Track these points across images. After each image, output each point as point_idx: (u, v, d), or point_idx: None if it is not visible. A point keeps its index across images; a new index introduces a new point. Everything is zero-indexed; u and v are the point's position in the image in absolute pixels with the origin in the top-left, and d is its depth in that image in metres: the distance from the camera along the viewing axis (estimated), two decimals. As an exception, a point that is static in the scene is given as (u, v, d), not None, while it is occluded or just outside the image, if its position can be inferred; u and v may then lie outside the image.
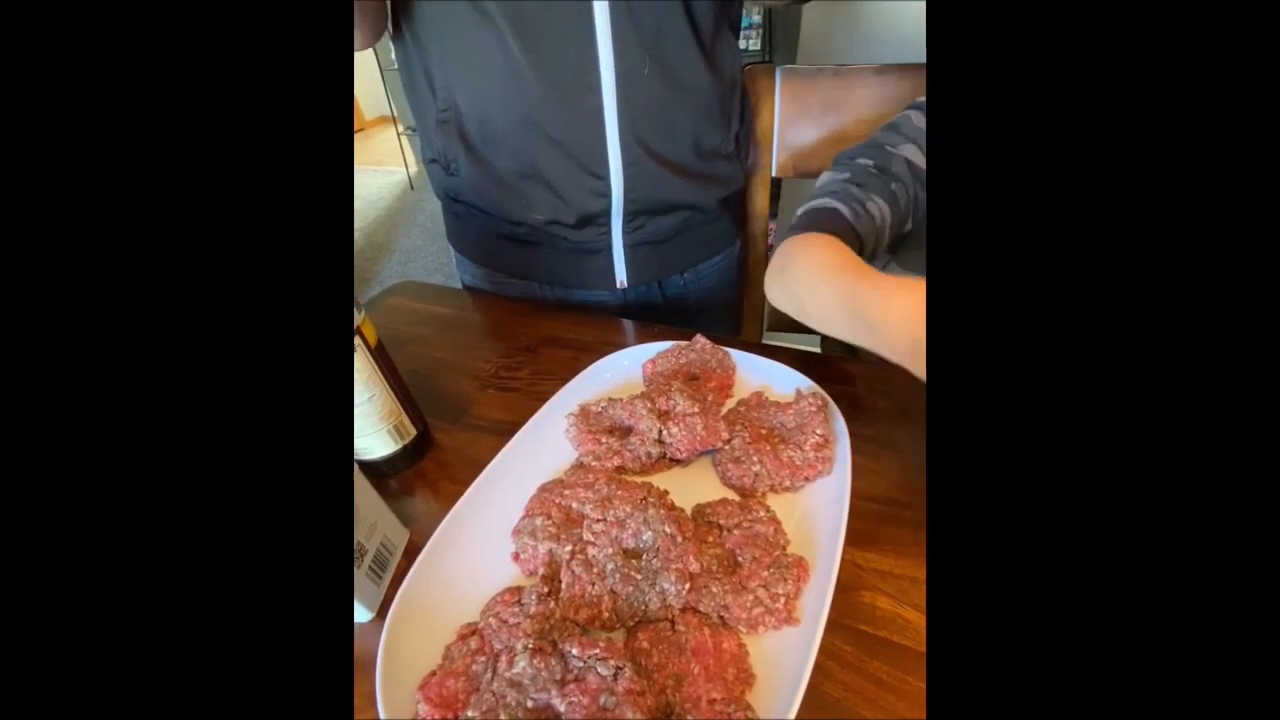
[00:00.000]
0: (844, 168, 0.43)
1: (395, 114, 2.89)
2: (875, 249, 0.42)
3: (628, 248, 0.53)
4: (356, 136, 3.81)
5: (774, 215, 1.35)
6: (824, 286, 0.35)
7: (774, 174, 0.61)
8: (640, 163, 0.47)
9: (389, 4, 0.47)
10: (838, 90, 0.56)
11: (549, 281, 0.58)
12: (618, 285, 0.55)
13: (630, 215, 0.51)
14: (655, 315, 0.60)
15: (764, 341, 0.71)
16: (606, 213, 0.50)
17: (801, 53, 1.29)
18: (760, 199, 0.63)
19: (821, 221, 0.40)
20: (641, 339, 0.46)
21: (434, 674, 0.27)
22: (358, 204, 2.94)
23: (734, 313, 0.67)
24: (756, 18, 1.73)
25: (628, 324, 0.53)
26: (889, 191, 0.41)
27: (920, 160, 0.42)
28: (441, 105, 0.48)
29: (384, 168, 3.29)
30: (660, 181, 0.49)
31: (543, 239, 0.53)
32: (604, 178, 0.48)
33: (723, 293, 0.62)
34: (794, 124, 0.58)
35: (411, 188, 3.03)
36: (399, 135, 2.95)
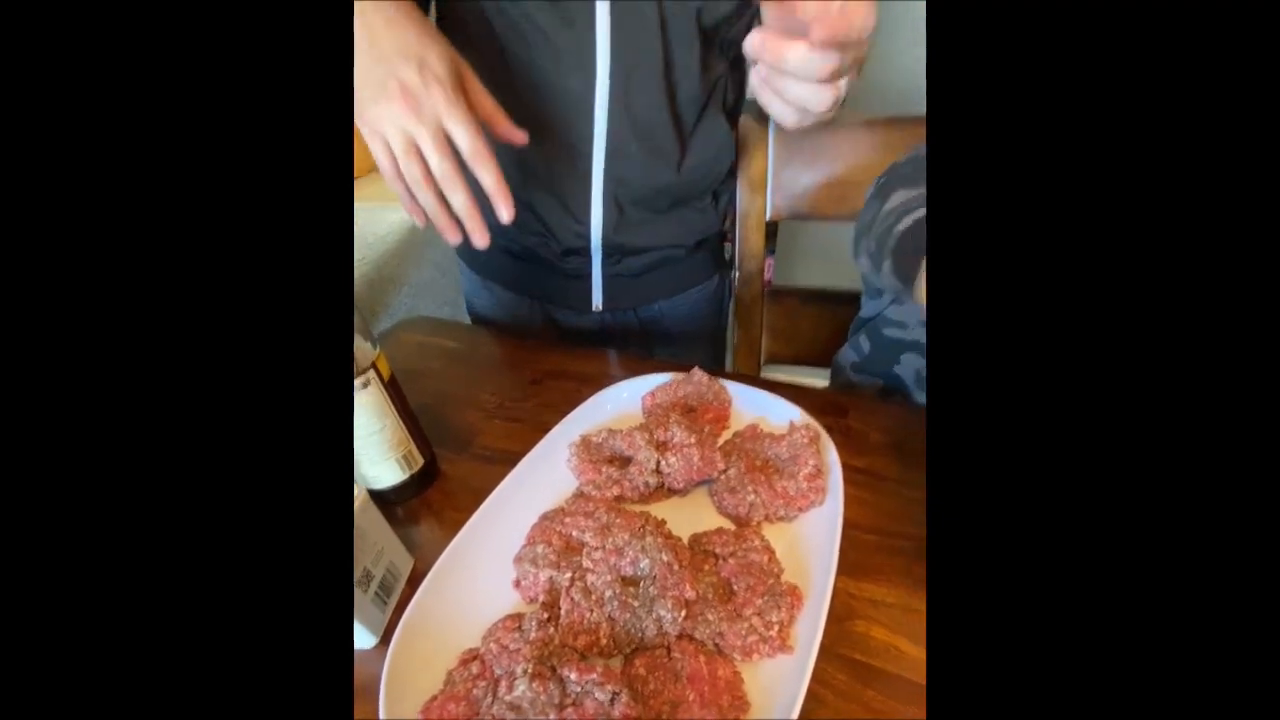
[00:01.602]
0: (917, 182, 0.40)
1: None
2: None
3: (606, 277, 0.59)
4: (371, 177, 3.96)
5: (772, 251, 1.39)
6: None
7: (769, 217, 0.64)
8: (618, 217, 0.54)
9: None
10: (828, 140, 0.60)
11: (536, 297, 0.63)
12: (594, 308, 0.61)
13: (608, 253, 0.57)
14: (631, 337, 0.65)
15: (762, 375, 0.73)
16: (587, 249, 0.56)
17: None
18: (754, 240, 0.66)
19: None
20: (641, 372, 0.48)
21: (435, 698, 0.27)
22: (371, 239, 3.03)
23: (713, 341, 0.70)
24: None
25: (629, 358, 0.55)
26: None
27: None
28: None
29: (395, 205, 3.40)
30: (634, 231, 0.55)
31: (534, 258, 0.59)
32: (585, 224, 0.54)
33: (699, 322, 0.66)
34: (787, 170, 0.62)
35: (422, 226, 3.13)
36: (412, 175, 3.07)
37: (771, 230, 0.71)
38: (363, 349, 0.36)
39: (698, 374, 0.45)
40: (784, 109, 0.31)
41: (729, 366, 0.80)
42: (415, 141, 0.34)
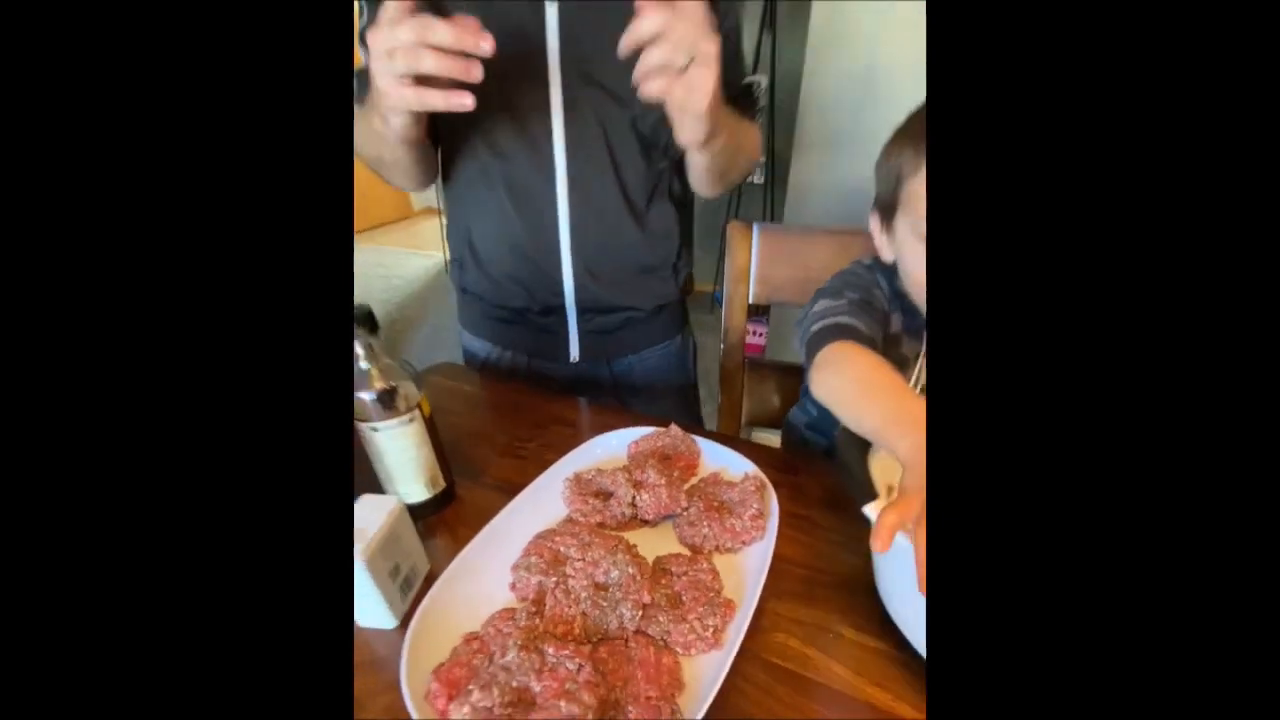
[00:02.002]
0: (838, 295, 0.51)
1: (442, 207, 3.27)
2: None
3: (581, 334, 0.71)
4: (403, 224, 4.23)
5: (767, 321, 1.52)
6: (868, 402, 0.39)
7: (751, 300, 0.76)
8: (585, 279, 0.66)
9: (439, 158, 0.68)
10: (801, 243, 0.72)
11: (523, 352, 0.75)
12: (571, 360, 0.72)
13: (581, 311, 0.69)
14: (604, 388, 0.76)
15: (744, 434, 0.82)
16: (563, 308, 0.68)
17: (791, 195, 1.56)
18: (737, 319, 0.77)
19: (851, 334, 0.46)
20: (629, 424, 0.57)
21: (443, 665, 0.35)
22: (398, 281, 3.23)
23: (682, 394, 0.80)
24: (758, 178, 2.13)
25: (619, 411, 0.65)
26: (874, 323, 0.50)
27: (885, 299, 0.54)
28: (461, 227, 0.69)
29: (424, 251, 3.62)
30: (600, 293, 0.68)
31: (520, 320, 0.72)
32: (560, 284, 0.67)
33: (666, 375, 0.78)
34: (767, 264, 0.74)
35: (446, 271, 3.33)
36: (442, 226, 3.31)
37: (765, 309, 0.82)
38: (410, 390, 0.46)
39: (674, 429, 0.55)
40: (662, 86, 0.40)
41: (715, 428, 0.89)
42: (388, 52, 0.40)
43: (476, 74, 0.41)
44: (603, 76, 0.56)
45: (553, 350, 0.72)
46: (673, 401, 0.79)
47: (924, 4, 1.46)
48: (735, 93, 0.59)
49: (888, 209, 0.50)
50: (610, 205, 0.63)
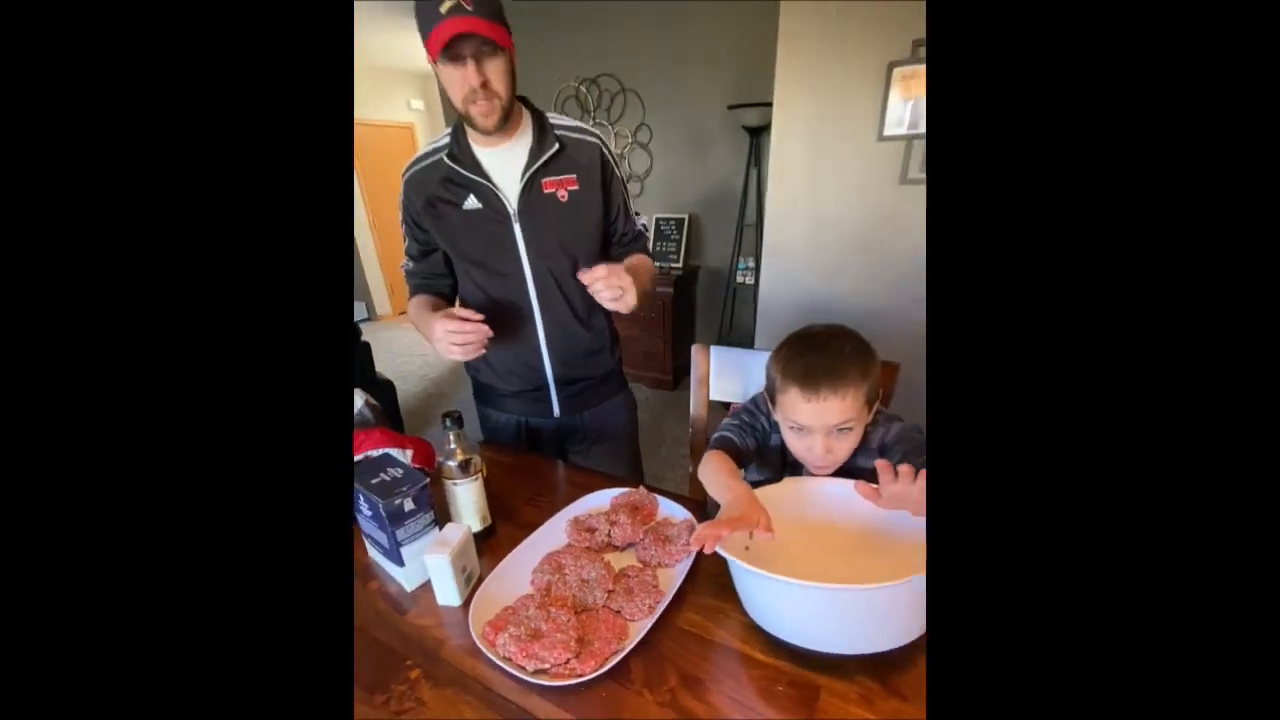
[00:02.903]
0: (736, 418, 0.84)
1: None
2: (745, 462, 0.81)
3: (560, 398, 1.04)
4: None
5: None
6: (718, 481, 0.69)
7: (710, 398, 1.05)
8: (557, 365, 1.01)
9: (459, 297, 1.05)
10: (743, 360, 1.03)
11: (521, 415, 1.08)
12: (554, 415, 1.05)
13: (558, 385, 1.03)
14: (577, 432, 1.08)
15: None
16: (546, 385, 1.02)
17: (763, 296, 1.90)
18: (702, 412, 1.06)
19: (726, 445, 0.79)
20: (612, 486, 0.85)
21: (491, 620, 0.61)
22: (433, 359, 3.63)
23: (626, 438, 1.13)
24: (749, 279, 2.49)
25: (606, 477, 0.92)
26: (754, 439, 0.82)
27: (765, 424, 0.84)
28: None
29: (459, 333, 4.06)
30: (568, 372, 1.02)
31: (519, 396, 1.05)
32: (542, 372, 1.01)
33: (618, 422, 1.12)
34: (719, 375, 1.04)
35: (478, 351, 3.73)
36: (477, 312, 3.75)
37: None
38: (477, 459, 0.75)
39: (642, 490, 0.82)
40: (602, 297, 0.80)
41: (687, 490, 1.15)
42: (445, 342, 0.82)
43: (486, 334, 0.83)
44: (549, 251, 0.94)
45: (542, 411, 1.06)
46: (623, 441, 1.13)
47: (848, 145, 1.85)
48: (631, 237, 1.00)
49: (771, 396, 0.79)
50: (566, 319, 0.99)
